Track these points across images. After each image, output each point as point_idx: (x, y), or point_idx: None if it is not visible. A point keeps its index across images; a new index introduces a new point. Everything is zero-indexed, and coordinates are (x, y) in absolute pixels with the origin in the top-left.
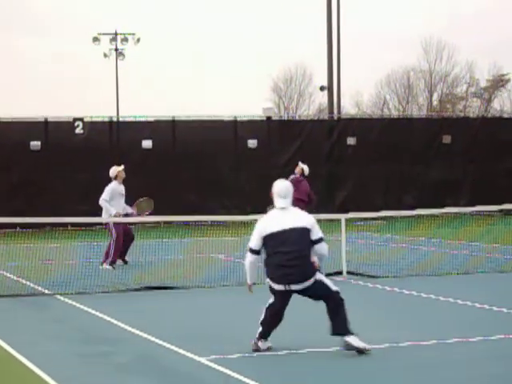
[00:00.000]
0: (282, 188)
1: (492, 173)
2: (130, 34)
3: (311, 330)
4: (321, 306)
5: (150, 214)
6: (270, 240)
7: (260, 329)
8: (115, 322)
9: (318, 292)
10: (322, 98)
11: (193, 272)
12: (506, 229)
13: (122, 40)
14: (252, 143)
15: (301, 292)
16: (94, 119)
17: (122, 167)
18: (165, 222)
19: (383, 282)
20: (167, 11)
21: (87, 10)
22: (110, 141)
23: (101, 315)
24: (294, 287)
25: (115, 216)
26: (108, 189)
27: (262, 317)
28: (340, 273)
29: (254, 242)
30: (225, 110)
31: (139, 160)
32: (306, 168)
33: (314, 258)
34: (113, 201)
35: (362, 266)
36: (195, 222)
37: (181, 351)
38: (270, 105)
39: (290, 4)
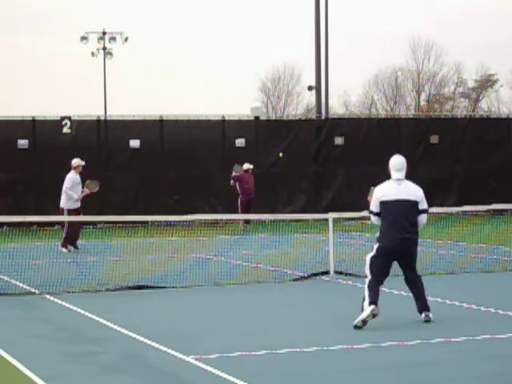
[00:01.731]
0: (397, 162)
1: (479, 173)
2: (117, 32)
3: (293, 329)
4: (306, 307)
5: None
6: (385, 207)
7: (366, 292)
8: (102, 321)
9: (413, 263)
10: (310, 97)
11: (178, 271)
12: (494, 229)
13: (110, 39)
14: (240, 142)
15: (402, 256)
16: (82, 118)
17: (83, 162)
18: (152, 222)
19: None
20: (155, 10)
21: (75, 9)
22: (98, 140)
23: (88, 314)
24: (399, 248)
25: (77, 200)
26: (69, 178)
27: (366, 281)
28: (327, 272)
29: (374, 206)
30: (213, 110)
31: (127, 159)
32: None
33: None
34: (73, 188)
35: (350, 265)
36: (181, 221)
37: (167, 350)
38: (258, 104)
39: (278, 4)
